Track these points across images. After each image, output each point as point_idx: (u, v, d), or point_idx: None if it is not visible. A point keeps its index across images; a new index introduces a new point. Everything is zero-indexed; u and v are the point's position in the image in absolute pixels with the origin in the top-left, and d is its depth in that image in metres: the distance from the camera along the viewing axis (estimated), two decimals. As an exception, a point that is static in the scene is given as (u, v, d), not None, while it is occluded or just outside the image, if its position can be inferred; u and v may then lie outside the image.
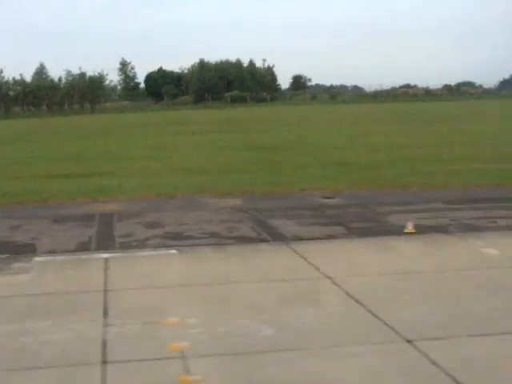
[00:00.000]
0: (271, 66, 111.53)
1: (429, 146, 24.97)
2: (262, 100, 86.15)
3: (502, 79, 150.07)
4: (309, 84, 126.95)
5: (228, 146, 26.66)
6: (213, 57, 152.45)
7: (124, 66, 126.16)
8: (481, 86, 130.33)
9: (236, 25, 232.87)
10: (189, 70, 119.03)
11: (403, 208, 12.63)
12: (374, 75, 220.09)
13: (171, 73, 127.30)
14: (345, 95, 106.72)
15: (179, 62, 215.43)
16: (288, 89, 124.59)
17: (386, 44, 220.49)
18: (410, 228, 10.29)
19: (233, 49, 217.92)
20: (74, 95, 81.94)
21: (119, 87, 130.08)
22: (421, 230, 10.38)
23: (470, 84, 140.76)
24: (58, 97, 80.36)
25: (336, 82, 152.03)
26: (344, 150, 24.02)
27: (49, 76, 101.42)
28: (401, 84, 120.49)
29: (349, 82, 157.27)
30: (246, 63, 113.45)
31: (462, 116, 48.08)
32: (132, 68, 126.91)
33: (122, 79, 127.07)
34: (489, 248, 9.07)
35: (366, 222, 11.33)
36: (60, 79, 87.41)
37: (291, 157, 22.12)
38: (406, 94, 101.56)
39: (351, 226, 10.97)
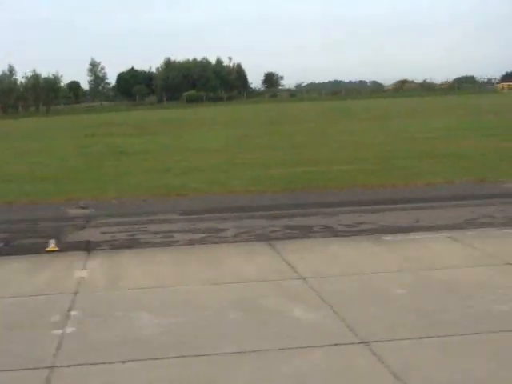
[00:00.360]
0: (238, 63, 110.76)
1: (283, 148, 24.29)
2: (218, 99, 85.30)
3: (504, 73, 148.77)
4: (307, 82, 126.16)
5: (90, 151, 26.07)
6: (182, 56, 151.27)
7: (94, 67, 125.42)
8: (490, 80, 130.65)
9: (226, 22, 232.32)
10: (158, 69, 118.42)
11: (121, 220, 12.00)
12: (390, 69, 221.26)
13: (143, 72, 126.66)
14: (314, 93, 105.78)
15: (151, 61, 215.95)
16: (264, 86, 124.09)
17: (394, 40, 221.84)
18: (52, 246, 9.60)
19: (215, 48, 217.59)
20: (28, 97, 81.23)
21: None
22: (68, 247, 9.70)
23: (470, 79, 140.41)
24: (12, 99, 79.68)
25: (354, 79, 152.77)
26: (206, 154, 23.32)
27: (16, 78, 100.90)
28: (398, 79, 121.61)
29: (367, 77, 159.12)
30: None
31: (384, 114, 47.33)
32: (102, 68, 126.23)
33: (92, 80, 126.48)
34: (85, 270, 8.36)
35: (37, 238, 10.60)
36: (15, 82, 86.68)
37: (139, 162, 21.59)
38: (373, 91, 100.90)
39: (11, 243, 10.28)
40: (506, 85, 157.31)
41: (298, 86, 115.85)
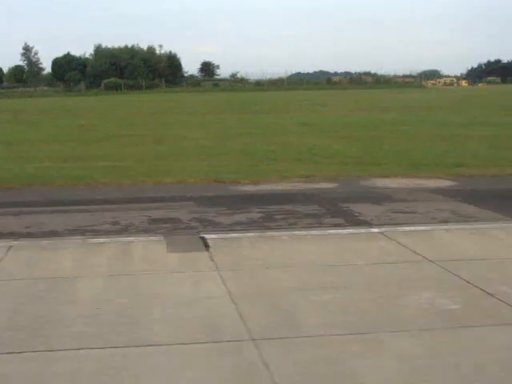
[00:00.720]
0: (171, 52, 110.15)
1: (90, 143, 24.31)
2: (138, 88, 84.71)
3: (469, 67, 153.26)
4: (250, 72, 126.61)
5: None
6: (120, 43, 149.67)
7: (27, 51, 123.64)
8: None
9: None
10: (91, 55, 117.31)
11: None
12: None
13: (78, 58, 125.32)
14: (239, 84, 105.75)
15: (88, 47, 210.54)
16: (201, 75, 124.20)
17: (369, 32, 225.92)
18: None
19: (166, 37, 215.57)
20: None
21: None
22: None
23: (435, 72, 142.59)
24: None
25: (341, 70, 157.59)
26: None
27: None
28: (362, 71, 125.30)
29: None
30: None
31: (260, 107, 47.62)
32: (35, 53, 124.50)
33: (26, 64, 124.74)
34: None
35: None
36: None
37: None
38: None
39: None
40: (447, 80, 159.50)
41: (233, 76, 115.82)
